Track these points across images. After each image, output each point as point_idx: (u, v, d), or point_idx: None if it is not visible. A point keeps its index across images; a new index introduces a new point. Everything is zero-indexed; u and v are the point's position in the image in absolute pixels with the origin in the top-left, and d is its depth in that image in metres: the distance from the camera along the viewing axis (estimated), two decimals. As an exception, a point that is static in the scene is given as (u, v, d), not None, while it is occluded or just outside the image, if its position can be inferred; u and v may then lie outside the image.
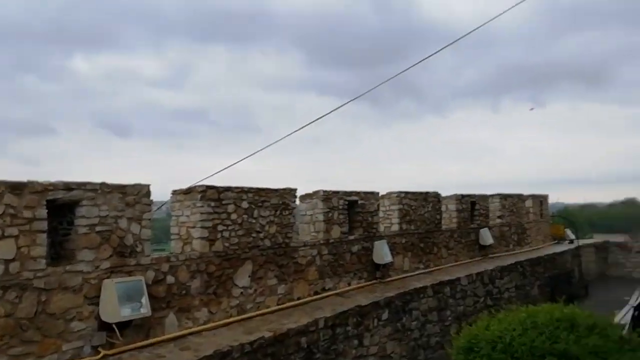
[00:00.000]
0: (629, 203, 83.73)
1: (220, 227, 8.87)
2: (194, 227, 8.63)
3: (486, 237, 18.26)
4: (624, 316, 13.50)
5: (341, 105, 10.58)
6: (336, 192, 11.95)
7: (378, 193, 13.68)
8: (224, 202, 8.95)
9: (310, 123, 10.07)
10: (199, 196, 8.60)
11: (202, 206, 8.57)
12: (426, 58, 9.47)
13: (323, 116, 10.10)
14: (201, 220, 8.58)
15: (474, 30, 8.97)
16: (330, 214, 11.66)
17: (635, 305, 14.08)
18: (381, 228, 13.90)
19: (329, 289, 11.38)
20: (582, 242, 25.44)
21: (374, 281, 12.90)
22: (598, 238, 35.04)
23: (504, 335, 6.11)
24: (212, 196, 8.76)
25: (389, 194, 14.64)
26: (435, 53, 8.96)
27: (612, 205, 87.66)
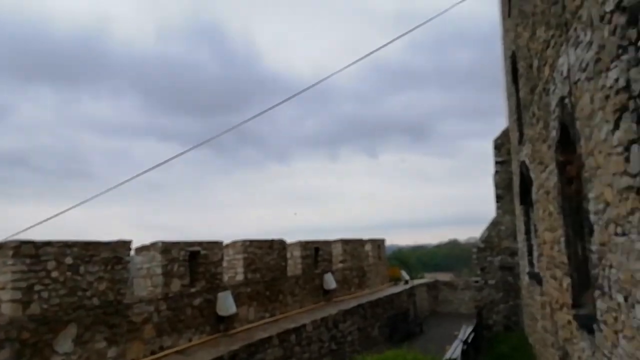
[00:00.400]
0: (452, 244, 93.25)
1: (37, 287, 7.79)
2: (3, 289, 7.43)
3: (330, 281, 18.69)
4: (454, 350, 14.56)
5: (184, 152, 10.13)
6: (177, 243, 11.33)
7: (222, 242, 13.29)
8: (42, 258, 7.89)
9: (150, 169, 9.45)
10: (11, 253, 7.48)
11: (14, 264, 7.45)
12: (268, 109, 9.54)
13: (165, 162, 9.55)
14: (13, 281, 7.44)
15: (313, 85, 9.29)
16: (169, 267, 10.96)
17: (463, 339, 15.29)
18: (225, 278, 13.46)
19: (168, 347, 10.59)
20: (415, 282, 27.33)
21: (218, 334, 12.33)
22: (429, 277, 38.05)
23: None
24: (28, 252, 7.68)
25: (234, 242, 14.31)
26: (278, 105, 9.06)
27: (438, 246, 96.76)
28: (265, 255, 15.19)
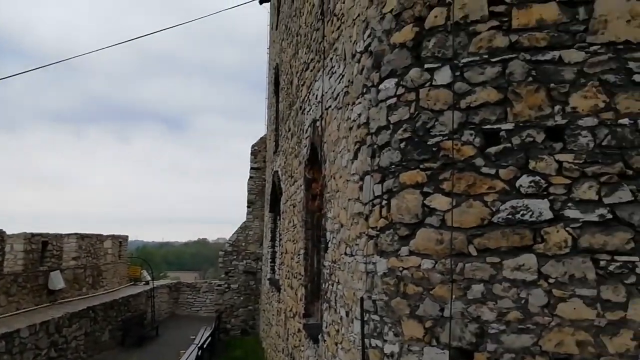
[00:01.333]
0: (201, 243, 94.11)
1: None
2: None
3: (57, 280, 17.00)
4: (189, 355, 14.58)
5: None
6: None
7: None
8: None
9: None
10: None
11: None
12: (5, 78, 8.26)
13: None
14: None
15: (69, 59, 8.37)
16: None
17: (199, 343, 15.42)
18: None
19: None
20: (157, 282, 26.67)
21: None
22: (173, 277, 37.57)
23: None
24: None
25: None
26: (19, 74, 7.91)
27: (187, 244, 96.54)
28: (-25, 248, 13.07)
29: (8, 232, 14.91)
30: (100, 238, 21.66)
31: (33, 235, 16.19)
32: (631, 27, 3.30)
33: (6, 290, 14.61)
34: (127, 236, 25.28)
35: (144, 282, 25.77)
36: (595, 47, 3.32)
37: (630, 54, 3.29)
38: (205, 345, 15.46)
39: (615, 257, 3.21)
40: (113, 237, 23.01)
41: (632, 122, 3.26)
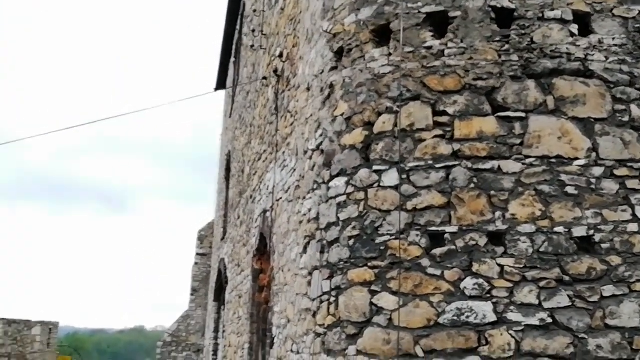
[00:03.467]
0: (138, 330, 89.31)
1: None
2: None
3: (-25, 372, 15.66)
4: None
5: None
6: None
7: None
8: None
9: None
10: None
11: None
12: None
13: None
14: None
15: (11, 142, 8.27)
16: None
17: None
18: None
19: None
20: (87, 374, 24.93)
21: None
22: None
23: None
24: None
25: None
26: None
27: (122, 332, 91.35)
28: None
29: None
30: (28, 324, 20.31)
31: (-47, 320, 15.07)
32: (562, 143, 3.61)
33: None
34: (57, 322, 23.78)
35: (72, 375, 24.05)
36: (530, 160, 3.60)
37: (562, 167, 3.57)
38: None
39: (556, 362, 3.31)
40: (42, 323, 21.61)
41: (566, 230, 3.48)
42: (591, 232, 3.49)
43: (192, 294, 19.76)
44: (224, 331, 12.37)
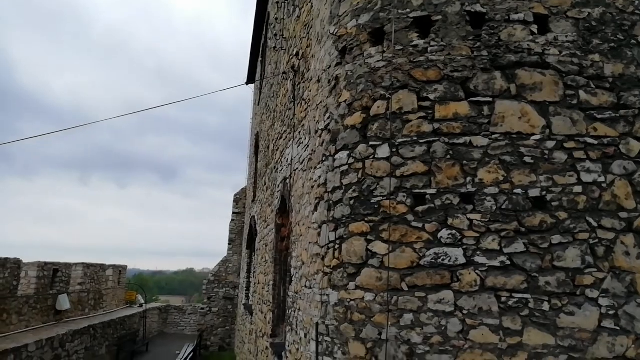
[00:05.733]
0: (188, 272, 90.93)
1: None
2: None
3: (63, 302, 16.07)
4: (173, 368, 13.86)
5: None
6: None
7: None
8: None
9: None
10: None
11: None
12: (38, 136, 8.07)
13: None
14: None
15: (85, 125, 8.26)
16: None
17: (183, 357, 14.70)
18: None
19: None
20: (150, 305, 25.49)
21: None
22: (163, 300, 35.98)
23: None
24: None
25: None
26: (53, 133, 7.76)
27: (176, 273, 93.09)
28: (-5, 273, 12.32)
29: (24, 261, 14.15)
30: (103, 267, 20.73)
31: (46, 264, 15.40)
32: (522, 122, 3.54)
33: (18, 310, 13.72)
34: (126, 266, 24.26)
35: (138, 305, 24.58)
36: (496, 135, 3.54)
37: (522, 141, 3.51)
38: (188, 359, 14.73)
39: (513, 295, 3.31)
40: (114, 266, 22.05)
41: (523, 191, 3.44)
42: (544, 193, 3.44)
43: (229, 244, 19.99)
44: (254, 271, 12.55)
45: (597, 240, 3.39)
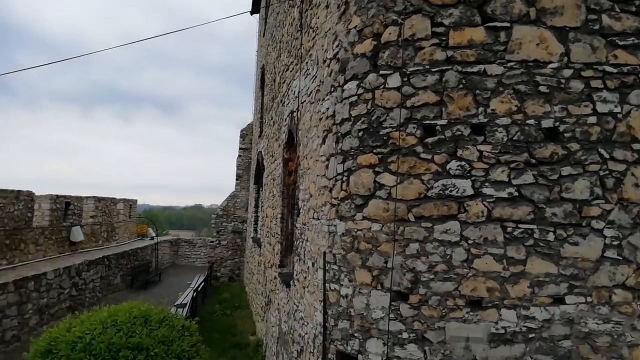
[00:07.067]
0: (197, 207, 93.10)
1: None
2: None
3: (77, 233, 16.69)
4: (186, 296, 14.59)
5: None
6: None
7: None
8: None
9: None
10: None
11: None
12: (30, 68, 7.93)
13: None
14: None
15: (82, 55, 8.08)
16: None
17: (194, 287, 15.42)
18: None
19: None
20: (160, 238, 26.37)
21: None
22: (173, 234, 37.13)
23: (84, 335, 5.51)
24: None
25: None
26: (47, 64, 7.62)
27: (185, 209, 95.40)
28: (9, 205, 12.70)
29: (37, 194, 14.53)
30: (114, 201, 21.27)
31: (58, 196, 15.81)
32: (539, 49, 3.42)
33: (35, 240, 14.30)
34: (136, 200, 24.86)
35: (149, 238, 25.47)
36: (511, 64, 3.43)
37: (538, 70, 3.41)
38: (199, 289, 15.47)
39: (519, 225, 3.37)
40: (124, 200, 22.61)
41: (536, 122, 3.40)
42: (557, 123, 3.39)
43: (237, 179, 20.26)
44: (262, 206, 12.81)
45: (607, 172, 3.38)
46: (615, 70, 3.42)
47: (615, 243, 3.36)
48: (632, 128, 3.40)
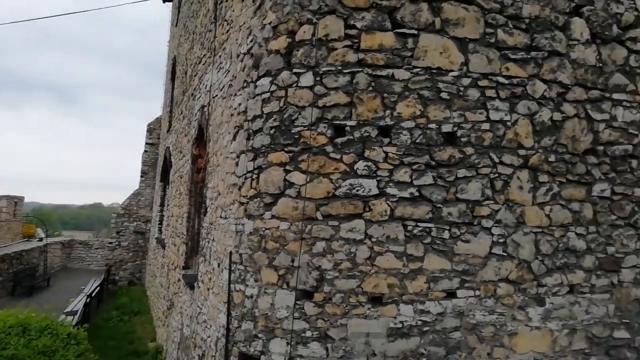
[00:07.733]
0: (96, 206, 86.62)
1: None
2: None
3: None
4: (77, 303, 13.46)
5: None
6: None
7: None
8: None
9: None
10: None
11: None
12: None
13: None
14: None
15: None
16: None
17: (87, 292, 14.29)
18: None
19: None
20: (51, 239, 24.08)
21: None
22: (67, 235, 34.12)
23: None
24: None
25: None
26: None
27: (82, 207, 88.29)
28: None
29: None
30: (-5, 197, 19.05)
31: None
32: (442, 57, 3.66)
33: None
34: (23, 197, 22.49)
35: (37, 239, 23.14)
36: (417, 70, 3.63)
37: (440, 77, 3.65)
38: (93, 294, 14.36)
39: (419, 224, 3.57)
40: (8, 197, 20.36)
41: (437, 126, 3.63)
42: (455, 128, 3.66)
43: (142, 176, 19.16)
44: (168, 204, 12.26)
45: (497, 175, 3.72)
46: (506, 82, 3.78)
47: (501, 240, 3.70)
48: (519, 135, 3.78)
